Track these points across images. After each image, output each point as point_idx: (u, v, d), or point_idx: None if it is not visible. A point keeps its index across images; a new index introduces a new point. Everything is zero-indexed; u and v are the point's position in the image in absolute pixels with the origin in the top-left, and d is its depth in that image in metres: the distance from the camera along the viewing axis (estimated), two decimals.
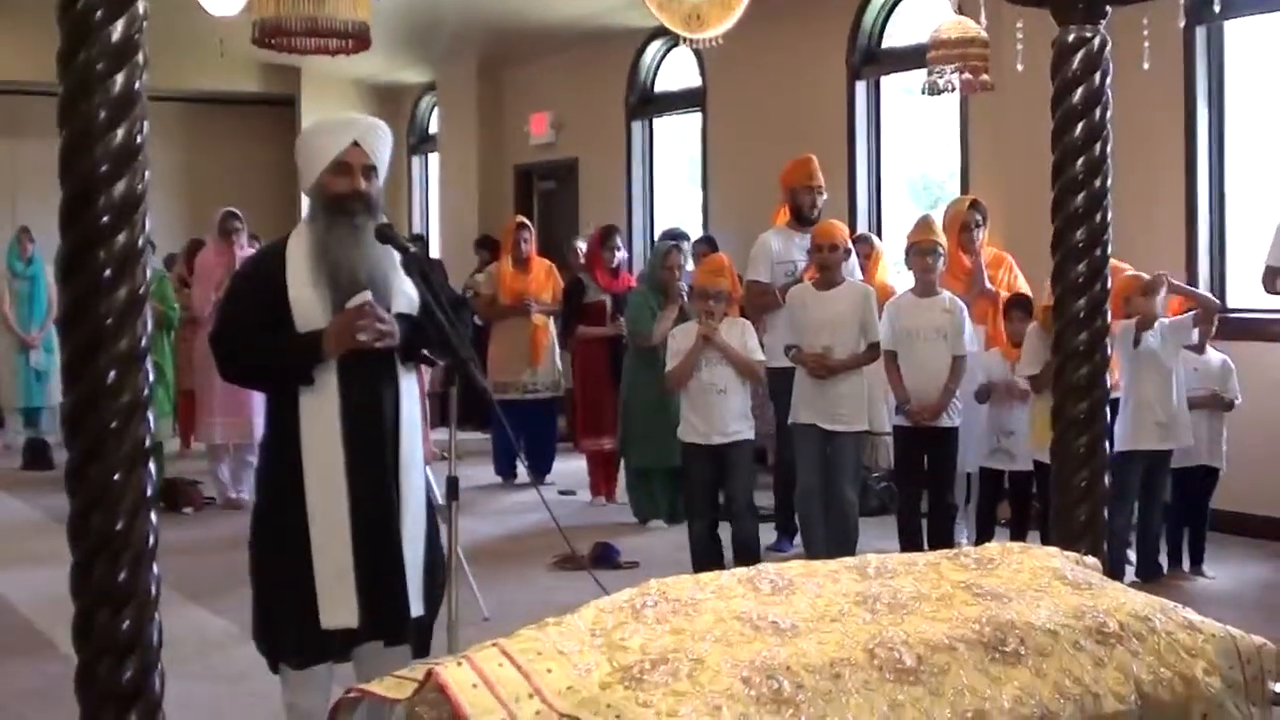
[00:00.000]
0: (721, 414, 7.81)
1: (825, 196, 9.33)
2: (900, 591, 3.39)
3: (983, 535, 8.37)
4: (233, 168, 18.22)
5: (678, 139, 15.45)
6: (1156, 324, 7.91)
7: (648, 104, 15.24)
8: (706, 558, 7.78)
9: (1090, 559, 3.94)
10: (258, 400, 10.23)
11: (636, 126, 15.28)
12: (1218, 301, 8.26)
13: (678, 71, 14.86)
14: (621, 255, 11.18)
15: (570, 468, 11.69)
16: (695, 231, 13.46)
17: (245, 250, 10.89)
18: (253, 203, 13.07)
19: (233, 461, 10.99)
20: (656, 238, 13.29)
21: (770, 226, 9.58)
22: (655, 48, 14.86)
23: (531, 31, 14.93)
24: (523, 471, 11.71)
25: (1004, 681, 3.12)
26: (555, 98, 16.17)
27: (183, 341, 11.84)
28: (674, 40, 14.08)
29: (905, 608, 3.31)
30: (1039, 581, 3.53)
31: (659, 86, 15.18)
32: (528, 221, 12.34)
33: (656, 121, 15.38)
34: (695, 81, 14.33)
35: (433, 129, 18.60)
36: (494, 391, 10.07)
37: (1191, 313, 8.19)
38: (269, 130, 18.73)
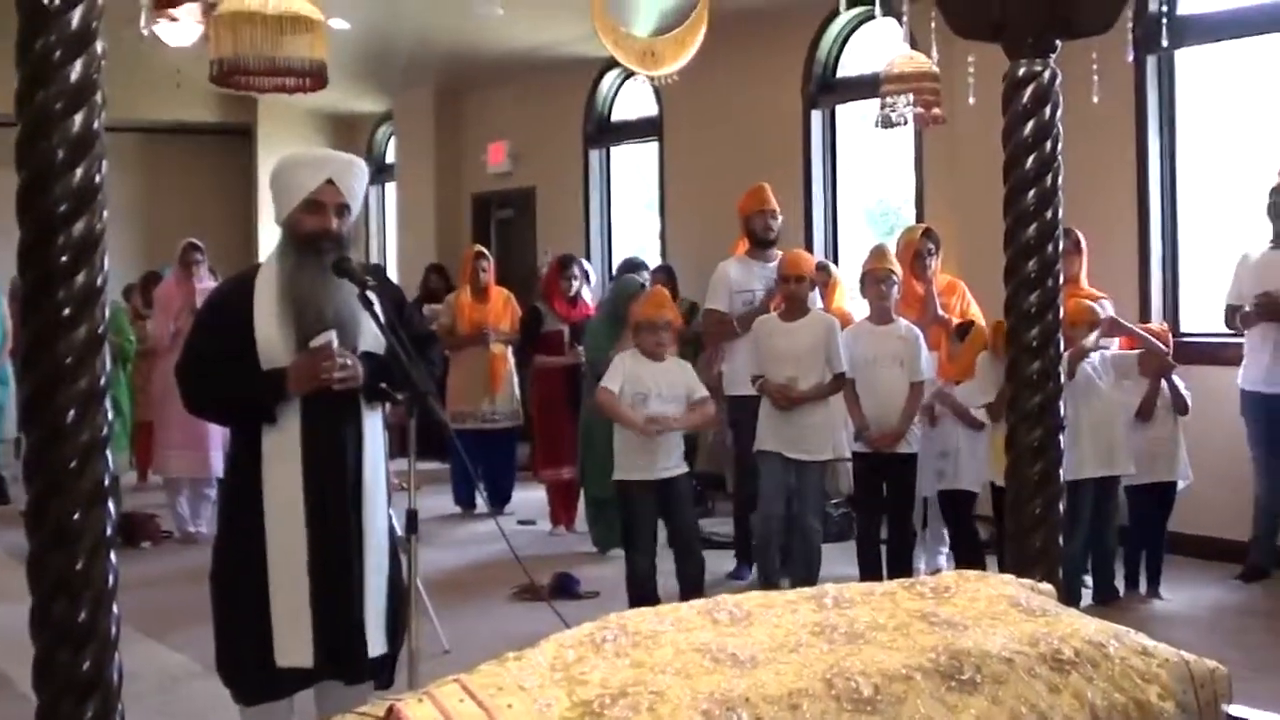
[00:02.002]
0: (666, 449, 7.74)
1: (780, 220, 9.38)
2: (857, 621, 3.41)
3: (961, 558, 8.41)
4: (189, 198, 18.18)
5: (635, 168, 15.50)
6: (1096, 355, 8.00)
7: (605, 133, 15.29)
8: (647, 595, 7.66)
9: (1045, 585, 3.96)
10: (216, 434, 10.25)
11: (594, 155, 15.33)
12: (1163, 347, 8.32)
13: (634, 101, 14.92)
14: (579, 284, 11.18)
15: (530, 497, 11.69)
16: (653, 260, 13.50)
17: (204, 282, 10.87)
18: (209, 233, 13.01)
19: (191, 495, 10.94)
20: (615, 266, 13.32)
21: (729, 255, 9.61)
22: (612, 77, 14.91)
23: (488, 61, 14.97)
24: (481, 502, 11.72)
25: (961, 710, 3.14)
26: (512, 127, 16.19)
27: (139, 373, 11.79)
28: (630, 70, 14.19)
29: (862, 637, 3.33)
30: (995, 609, 3.56)
31: (616, 115, 15.24)
32: (486, 251, 12.35)
33: (614, 150, 15.43)
34: (652, 111, 14.39)
35: (390, 158, 18.60)
36: (452, 421, 10.07)
37: (1138, 352, 8.28)
38: (225, 160, 18.72)
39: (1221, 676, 3.51)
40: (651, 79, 7.80)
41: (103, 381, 3.25)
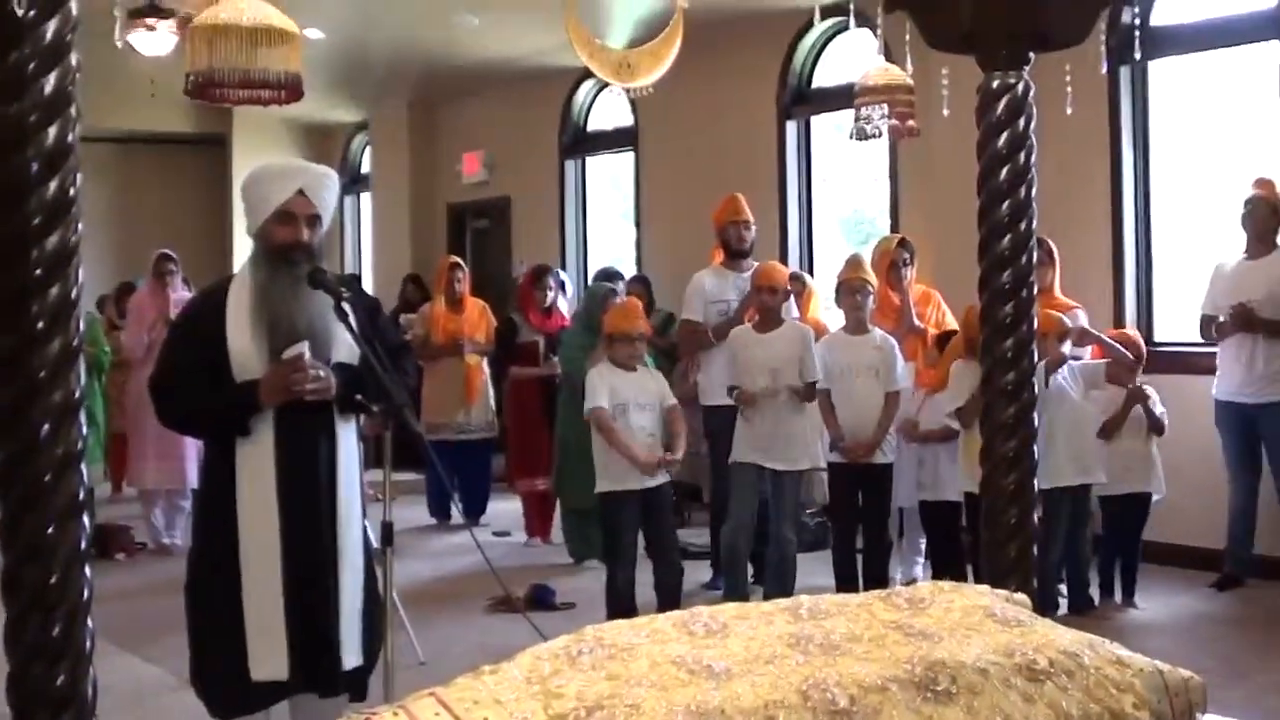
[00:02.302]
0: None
1: (754, 231, 9.38)
2: (833, 632, 3.42)
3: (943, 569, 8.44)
4: (164, 208, 18.14)
5: (610, 178, 15.51)
6: (1067, 365, 8.05)
7: (580, 143, 15.29)
8: (625, 607, 7.66)
9: (1020, 596, 3.98)
10: (191, 445, 10.23)
11: (569, 165, 15.33)
12: (1131, 357, 8.36)
13: (610, 111, 14.92)
14: (554, 295, 11.17)
15: (505, 508, 11.69)
16: (629, 270, 13.51)
17: (179, 292, 10.84)
18: (183, 243, 13.00)
19: (165, 506, 10.91)
20: (590, 277, 13.31)
21: (706, 265, 9.62)
22: (587, 87, 14.92)
23: (463, 71, 14.96)
24: (457, 512, 11.71)
25: None
26: (488, 137, 16.19)
27: (113, 384, 11.76)
28: (606, 80, 14.21)
29: (838, 648, 3.33)
30: (970, 620, 3.57)
31: (591, 126, 15.25)
32: (461, 261, 12.34)
33: (589, 160, 15.43)
34: (628, 121, 14.40)
35: (365, 168, 18.58)
36: (427, 432, 10.06)
37: (1105, 362, 8.32)
38: (200, 170, 18.67)
39: (1196, 686, 3.52)
40: (627, 91, 7.80)
41: (77, 395, 3.24)
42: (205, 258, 16.39)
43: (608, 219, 15.56)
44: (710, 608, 3.54)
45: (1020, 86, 4.66)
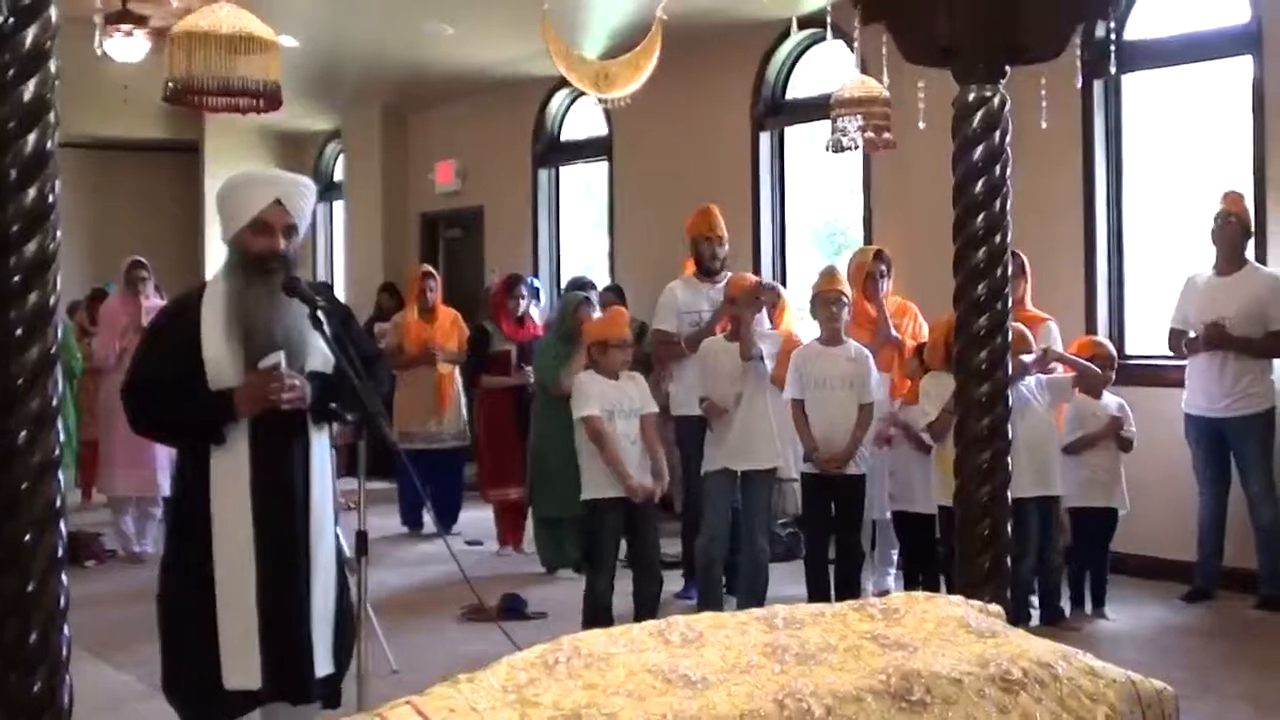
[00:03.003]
0: (635, 466, 7.78)
1: (727, 247, 9.38)
2: (808, 642, 3.43)
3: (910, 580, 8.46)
4: (136, 214, 18.08)
5: (584, 187, 15.52)
6: (1033, 379, 8.08)
7: (554, 152, 15.29)
8: (602, 615, 7.63)
9: (994, 607, 4.00)
10: (161, 453, 10.19)
11: (543, 174, 15.33)
12: (1101, 374, 8.42)
13: (584, 120, 14.93)
14: (526, 304, 11.17)
15: (477, 517, 11.67)
16: (602, 279, 13.52)
17: (151, 300, 10.81)
18: (155, 250, 12.95)
19: (136, 514, 10.87)
20: (563, 286, 13.32)
21: (679, 275, 9.63)
22: (561, 96, 14.92)
23: (437, 79, 14.96)
24: (429, 521, 11.70)
25: None
26: (461, 145, 16.18)
27: (84, 391, 11.71)
28: (580, 90, 14.21)
29: (813, 658, 3.35)
30: (944, 631, 3.59)
31: (565, 135, 15.25)
32: (433, 270, 12.33)
33: (563, 170, 15.44)
34: (601, 130, 14.40)
35: (338, 176, 18.54)
36: (399, 441, 10.03)
37: (1072, 375, 8.37)
38: (172, 177, 18.62)
39: (1169, 697, 3.55)
40: (606, 102, 7.82)
41: (54, 403, 3.24)
42: (177, 265, 16.34)
43: (581, 228, 15.56)
44: (686, 617, 3.55)
45: (996, 99, 4.68)
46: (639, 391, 7.90)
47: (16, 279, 3.18)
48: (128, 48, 10.98)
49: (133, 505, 10.82)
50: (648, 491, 7.71)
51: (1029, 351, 8.00)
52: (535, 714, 3.01)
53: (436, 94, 15.81)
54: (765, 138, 12.61)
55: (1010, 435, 4.78)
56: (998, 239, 4.66)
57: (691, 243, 9.38)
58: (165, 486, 10.66)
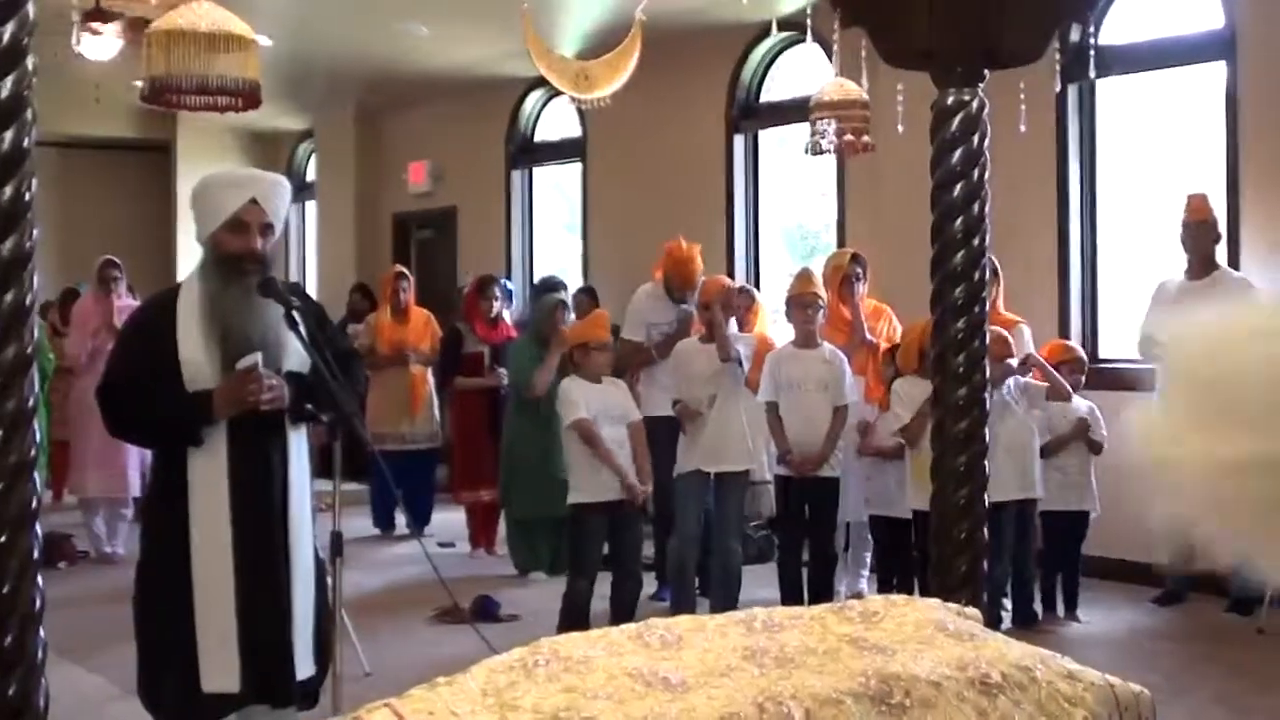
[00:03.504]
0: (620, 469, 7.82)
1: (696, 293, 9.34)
2: (787, 645, 3.42)
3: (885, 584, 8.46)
4: (107, 214, 17.99)
5: (557, 189, 15.51)
6: (1012, 382, 8.11)
7: (527, 153, 15.28)
8: (580, 617, 7.68)
9: (971, 610, 4.00)
10: (133, 454, 10.16)
11: (516, 176, 15.31)
12: (1069, 389, 8.47)
13: (558, 121, 14.92)
14: (500, 306, 11.15)
15: (449, 519, 11.64)
16: (575, 281, 13.52)
17: (123, 300, 10.77)
18: (127, 250, 12.87)
19: (107, 515, 10.82)
20: (534, 286, 13.30)
21: (651, 278, 9.60)
22: (535, 97, 14.92)
23: (410, 80, 14.92)
24: (401, 523, 11.69)
25: None
26: (434, 146, 16.15)
27: (55, 391, 11.64)
28: (554, 90, 14.18)
29: (793, 661, 3.34)
30: (922, 634, 3.58)
31: (539, 136, 15.24)
32: (406, 271, 12.31)
33: (536, 171, 15.43)
34: (575, 132, 14.39)
35: (310, 177, 18.49)
36: (371, 442, 10.01)
37: (1046, 385, 8.39)
38: (144, 176, 18.54)
39: (1146, 700, 3.55)
40: (584, 103, 7.81)
41: (31, 404, 3.22)
42: (148, 264, 16.24)
43: (554, 230, 15.55)
44: (665, 620, 3.54)
45: (975, 103, 4.69)
46: (623, 398, 7.93)
47: None
48: (99, 46, 10.92)
49: (103, 506, 10.77)
50: (638, 492, 7.75)
51: (1010, 356, 8.02)
52: (515, 717, 2.99)
53: (410, 94, 15.77)
54: (740, 140, 12.63)
55: (988, 439, 4.78)
56: (976, 242, 4.66)
57: (667, 275, 9.33)
58: (136, 487, 10.63)
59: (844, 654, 3.42)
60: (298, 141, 18.76)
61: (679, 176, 12.79)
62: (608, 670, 3.19)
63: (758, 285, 11.75)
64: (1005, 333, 7.98)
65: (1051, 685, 3.45)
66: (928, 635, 3.58)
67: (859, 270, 9.07)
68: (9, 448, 3.17)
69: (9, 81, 3.16)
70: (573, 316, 10.40)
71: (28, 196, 3.19)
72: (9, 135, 3.16)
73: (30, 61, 3.20)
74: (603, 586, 7.93)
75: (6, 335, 3.16)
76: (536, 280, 13.63)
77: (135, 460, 10.50)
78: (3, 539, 3.18)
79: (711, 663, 3.30)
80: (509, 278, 14.24)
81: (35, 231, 3.21)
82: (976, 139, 4.67)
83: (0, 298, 3.16)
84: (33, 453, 3.23)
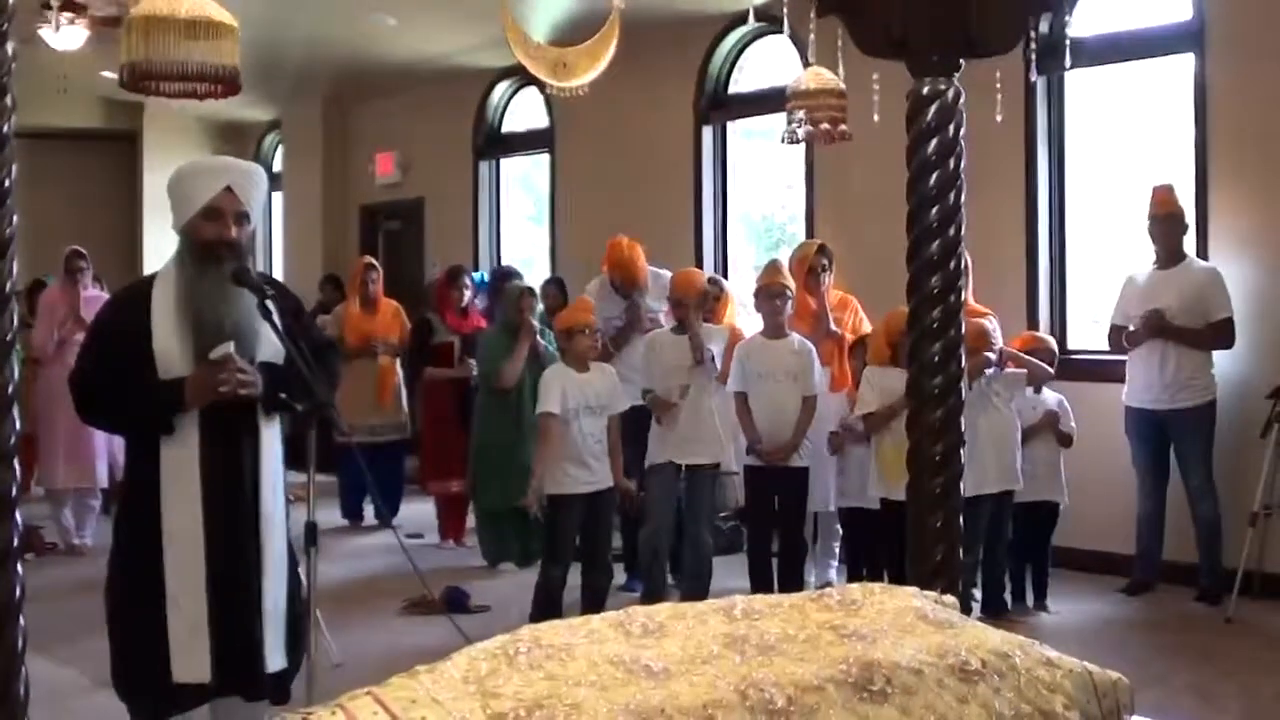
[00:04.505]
0: (599, 462, 7.85)
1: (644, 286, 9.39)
2: (768, 633, 3.43)
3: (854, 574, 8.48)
4: (73, 204, 17.85)
5: (522, 181, 15.49)
6: (992, 372, 8.14)
7: (495, 144, 15.26)
8: (553, 606, 7.72)
9: (949, 598, 4.02)
10: (101, 444, 10.12)
11: (484, 167, 15.29)
12: (1049, 370, 8.52)
13: (525, 112, 14.90)
14: (470, 296, 11.14)
15: (418, 510, 11.62)
16: (543, 272, 13.52)
17: (90, 290, 10.73)
18: (93, 240, 12.79)
19: (75, 506, 10.77)
20: (490, 278, 13.26)
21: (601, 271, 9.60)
22: (503, 88, 14.90)
23: (378, 70, 14.88)
24: (369, 514, 11.68)
25: None
26: (401, 137, 16.12)
27: (22, 381, 11.56)
28: (522, 81, 14.19)
29: (774, 649, 3.35)
30: (902, 621, 3.60)
31: (506, 127, 15.22)
32: (375, 262, 12.28)
33: (504, 162, 15.41)
34: (543, 123, 14.38)
35: (277, 167, 18.40)
36: (339, 434, 9.98)
37: (1024, 371, 8.42)
38: (110, 167, 18.43)
39: (1124, 687, 3.57)
40: (563, 91, 7.79)
41: (10, 390, 3.20)
42: (114, 255, 16.14)
43: (518, 221, 15.54)
44: (645, 608, 3.54)
45: (950, 93, 4.69)
46: (607, 387, 7.92)
47: None
48: (66, 36, 10.88)
49: (71, 497, 10.73)
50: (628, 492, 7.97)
51: (990, 349, 8.04)
52: (497, 705, 2.98)
53: (378, 85, 15.73)
54: (708, 131, 12.63)
55: (964, 429, 4.79)
56: (951, 232, 4.66)
57: (611, 274, 9.35)
58: (104, 478, 10.59)
59: (824, 641, 3.43)
60: (265, 132, 18.69)
61: (647, 167, 12.79)
62: (589, 658, 3.19)
63: (725, 276, 11.76)
64: (985, 325, 8.00)
65: (1030, 672, 3.46)
66: (907, 623, 3.59)
67: (825, 261, 9.07)
68: None
69: None
70: (540, 305, 10.39)
71: (7, 184, 3.19)
72: None
73: (10, 47, 3.18)
74: (573, 577, 7.94)
75: None
76: (494, 272, 13.59)
77: (104, 451, 10.46)
78: None
79: (693, 650, 3.30)
80: (477, 269, 14.21)
81: (15, 218, 3.19)
82: (952, 128, 4.66)
83: None
84: (12, 440, 3.21)
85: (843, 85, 7.74)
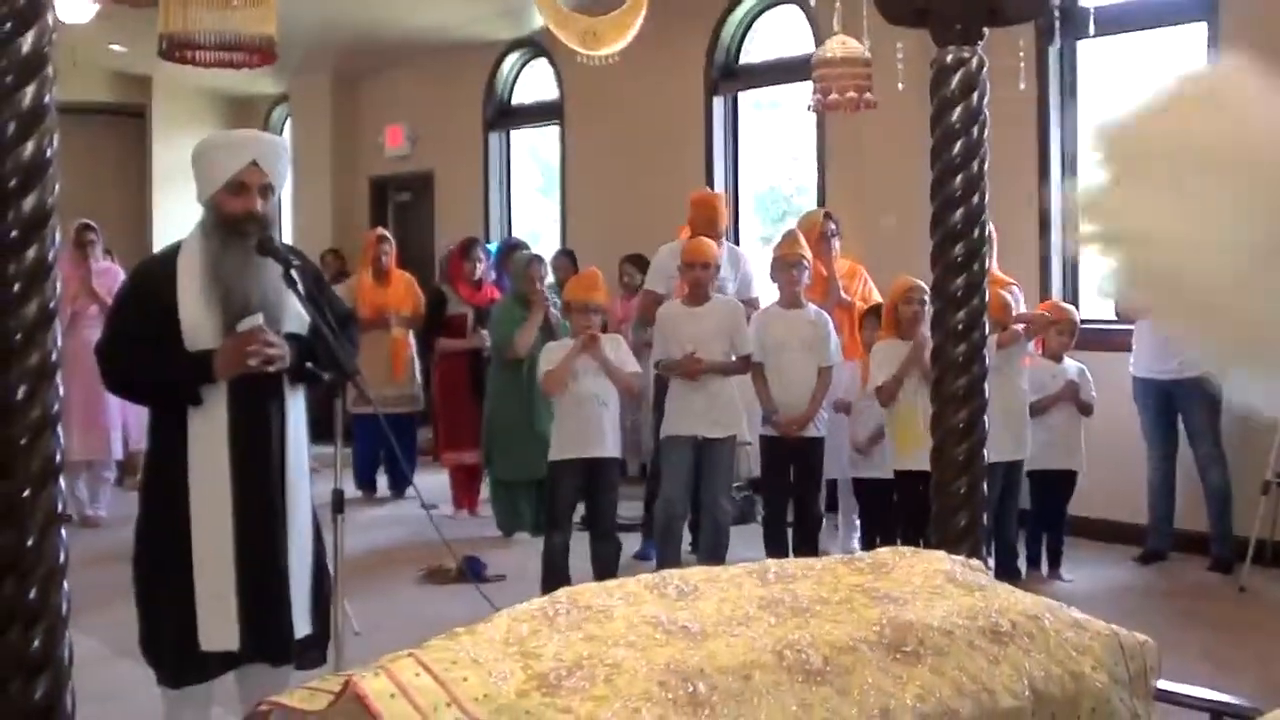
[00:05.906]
0: (600, 426, 7.85)
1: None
2: (801, 596, 3.46)
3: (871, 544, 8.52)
4: (82, 178, 17.79)
5: (531, 153, 15.50)
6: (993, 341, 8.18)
7: (505, 116, 15.27)
8: (559, 572, 7.77)
9: (975, 562, 4.05)
10: (115, 416, 10.15)
11: (494, 139, 15.30)
12: (1046, 315, 8.54)
13: (535, 84, 14.90)
14: (484, 268, 11.16)
15: (432, 481, 11.65)
16: (553, 244, 13.53)
17: (100, 263, 10.74)
18: (102, 214, 12.79)
19: (89, 478, 10.80)
20: (498, 250, 13.27)
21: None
22: (513, 60, 14.89)
23: (387, 43, 14.87)
24: (382, 485, 11.73)
25: (906, 680, 3.20)
26: (411, 110, 16.12)
27: None
28: (531, 53, 14.19)
29: (808, 611, 3.38)
30: (932, 584, 3.63)
31: (516, 99, 15.22)
32: (388, 234, 12.29)
33: (514, 134, 15.41)
34: (553, 94, 14.38)
35: (285, 140, 18.38)
36: (353, 405, 10.02)
37: (1021, 325, 8.42)
38: (119, 141, 18.41)
39: (1151, 649, 3.61)
40: (591, 60, 7.79)
41: (54, 358, 3.23)
42: (124, 229, 16.15)
43: (528, 193, 15.55)
44: (680, 571, 3.58)
45: (974, 61, 4.71)
46: (615, 355, 7.91)
47: (15, 233, 3.16)
48: (76, 9, 10.86)
49: (85, 469, 10.75)
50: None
51: (1009, 318, 8.06)
52: (537, 665, 3.02)
53: (386, 58, 15.72)
54: (719, 102, 12.62)
55: (986, 395, 4.82)
56: (975, 200, 4.69)
57: (691, 220, 9.27)
58: (118, 449, 10.63)
59: (857, 603, 3.46)
60: (273, 105, 18.66)
61: (658, 138, 12.79)
62: (627, 619, 3.22)
63: (737, 245, 11.76)
64: (1008, 296, 8.02)
65: (1060, 634, 3.50)
66: (938, 585, 3.63)
67: (833, 226, 9.08)
68: (33, 401, 3.19)
69: (30, 37, 3.16)
70: (550, 275, 10.41)
71: (49, 153, 3.21)
72: (30, 91, 3.17)
73: (51, 17, 3.21)
74: (584, 547, 7.97)
75: (29, 290, 3.18)
76: (501, 244, 13.61)
77: (117, 422, 10.50)
78: (26, 493, 3.19)
79: (729, 612, 3.34)
80: (488, 241, 14.22)
81: (57, 187, 3.22)
82: (976, 97, 4.69)
83: (22, 254, 3.17)
84: (55, 408, 3.24)
85: (868, 54, 7.72)
